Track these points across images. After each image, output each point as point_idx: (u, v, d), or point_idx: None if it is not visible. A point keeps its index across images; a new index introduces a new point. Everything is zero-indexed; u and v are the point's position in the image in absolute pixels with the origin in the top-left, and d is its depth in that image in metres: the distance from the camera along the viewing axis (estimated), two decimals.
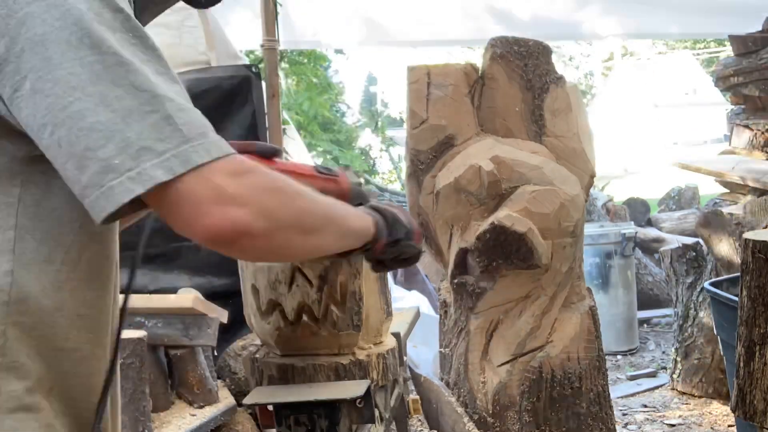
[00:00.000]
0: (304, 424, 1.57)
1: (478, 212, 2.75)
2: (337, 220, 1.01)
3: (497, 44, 2.88)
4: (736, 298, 3.06)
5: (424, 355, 3.49)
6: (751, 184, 4.75)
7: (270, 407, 1.63)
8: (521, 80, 2.85)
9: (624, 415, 4.12)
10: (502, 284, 2.77)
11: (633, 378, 4.78)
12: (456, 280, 2.84)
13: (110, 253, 0.99)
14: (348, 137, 13.12)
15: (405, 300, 4.54)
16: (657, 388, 4.56)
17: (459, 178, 2.74)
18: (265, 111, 3.55)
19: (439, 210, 2.83)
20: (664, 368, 4.84)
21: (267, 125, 3.56)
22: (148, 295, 2.78)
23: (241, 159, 0.88)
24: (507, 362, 2.78)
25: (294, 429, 1.57)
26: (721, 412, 4.00)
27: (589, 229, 4.99)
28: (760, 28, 5.08)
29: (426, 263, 5.69)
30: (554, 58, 3.00)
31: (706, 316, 4.15)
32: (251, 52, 6.63)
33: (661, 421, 4.00)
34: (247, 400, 1.68)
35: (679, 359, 4.37)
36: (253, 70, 3.55)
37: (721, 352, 3.69)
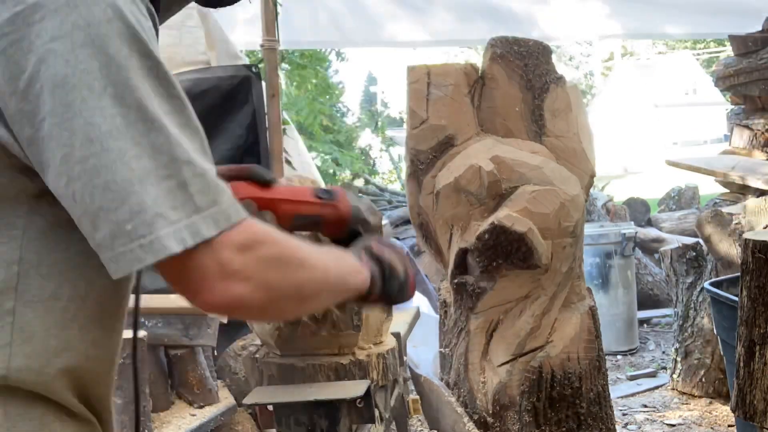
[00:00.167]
0: (303, 424, 1.57)
1: (478, 212, 2.75)
2: (334, 284, 1.01)
3: (497, 44, 2.88)
4: (736, 298, 3.06)
5: (424, 355, 3.49)
6: (750, 184, 4.75)
7: (270, 407, 1.63)
8: (521, 80, 2.85)
9: (624, 415, 4.12)
10: (502, 284, 2.77)
11: (633, 378, 4.78)
12: (456, 280, 2.84)
13: (121, 288, 0.94)
14: (348, 138, 13.12)
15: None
16: (657, 388, 4.56)
17: (459, 178, 2.74)
18: (265, 111, 3.55)
19: (439, 210, 2.83)
20: (664, 368, 4.84)
21: (267, 125, 3.57)
22: (148, 294, 2.78)
23: (251, 228, 0.86)
24: (507, 362, 2.78)
25: (294, 429, 1.57)
26: (721, 412, 4.00)
27: (589, 229, 4.99)
28: (760, 28, 5.08)
29: (426, 263, 5.69)
30: (554, 58, 3.00)
31: (706, 316, 4.15)
32: (251, 52, 6.63)
33: (661, 421, 4.00)
34: (247, 400, 1.68)
35: (679, 359, 4.37)
36: (253, 70, 3.55)
37: (721, 352, 3.69)
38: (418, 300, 4.70)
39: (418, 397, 2.96)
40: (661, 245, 5.82)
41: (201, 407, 2.67)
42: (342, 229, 1.25)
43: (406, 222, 6.30)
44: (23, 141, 0.81)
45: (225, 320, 2.79)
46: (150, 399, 2.52)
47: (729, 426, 3.81)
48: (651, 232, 6.96)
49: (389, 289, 1.13)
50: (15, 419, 0.84)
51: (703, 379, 4.22)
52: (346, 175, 11.86)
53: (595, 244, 5.25)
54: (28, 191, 0.84)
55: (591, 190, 3.18)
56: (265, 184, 1.21)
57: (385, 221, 5.78)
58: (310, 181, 1.76)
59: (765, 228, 3.83)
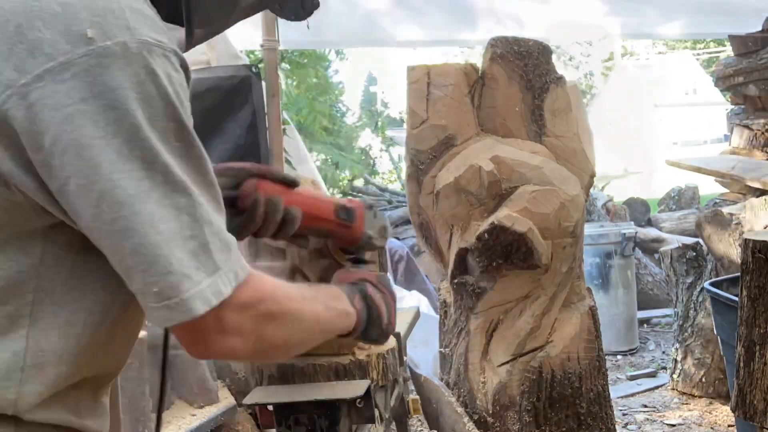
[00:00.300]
0: (303, 424, 1.57)
1: (478, 212, 2.75)
2: (321, 331, 1.07)
3: (497, 44, 2.88)
4: (736, 298, 3.06)
5: (424, 355, 3.49)
6: (751, 184, 4.75)
7: (270, 407, 1.63)
8: (521, 80, 2.85)
9: (624, 415, 4.12)
10: (502, 284, 2.77)
11: (633, 378, 4.78)
12: (456, 280, 2.84)
13: (135, 315, 0.95)
14: (348, 138, 13.11)
15: (405, 300, 4.54)
16: (657, 388, 4.56)
17: (459, 178, 2.74)
18: (265, 111, 3.55)
19: (439, 210, 2.83)
20: (664, 368, 4.84)
21: (267, 125, 3.57)
22: None
23: (254, 285, 0.90)
24: (507, 362, 2.78)
25: (294, 429, 1.57)
26: (721, 412, 4.00)
27: (589, 229, 4.98)
28: (760, 28, 5.08)
29: (426, 263, 5.69)
30: (554, 58, 3.00)
31: (706, 316, 4.15)
32: (251, 52, 6.63)
33: (661, 421, 4.00)
34: (247, 400, 1.68)
35: (679, 359, 4.36)
36: (253, 70, 3.55)
37: (721, 352, 3.69)
38: (418, 300, 4.70)
39: (418, 397, 2.95)
40: (661, 245, 5.82)
41: (201, 407, 2.67)
42: (349, 246, 1.36)
43: (407, 222, 6.30)
44: (56, 193, 0.82)
45: None
46: (150, 399, 2.51)
47: (729, 426, 3.81)
48: (651, 232, 6.96)
49: (369, 334, 1.21)
50: None
51: (703, 379, 4.22)
52: (346, 175, 11.86)
53: (595, 244, 5.25)
54: (45, 222, 0.85)
55: (591, 190, 3.18)
56: (291, 185, 1.25)
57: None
58: (310, 181, 1.76)
59: (765, 228, 3.82)
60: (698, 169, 5.07)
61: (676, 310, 4.46)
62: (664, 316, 6.14)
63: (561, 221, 2.71)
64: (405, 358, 1.93)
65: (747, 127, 5.13)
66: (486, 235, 2.67)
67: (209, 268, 0.84)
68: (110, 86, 0.80)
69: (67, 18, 0.80)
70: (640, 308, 5.74)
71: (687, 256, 4.40)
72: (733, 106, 5.46)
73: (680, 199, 8.19)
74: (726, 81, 5.18)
